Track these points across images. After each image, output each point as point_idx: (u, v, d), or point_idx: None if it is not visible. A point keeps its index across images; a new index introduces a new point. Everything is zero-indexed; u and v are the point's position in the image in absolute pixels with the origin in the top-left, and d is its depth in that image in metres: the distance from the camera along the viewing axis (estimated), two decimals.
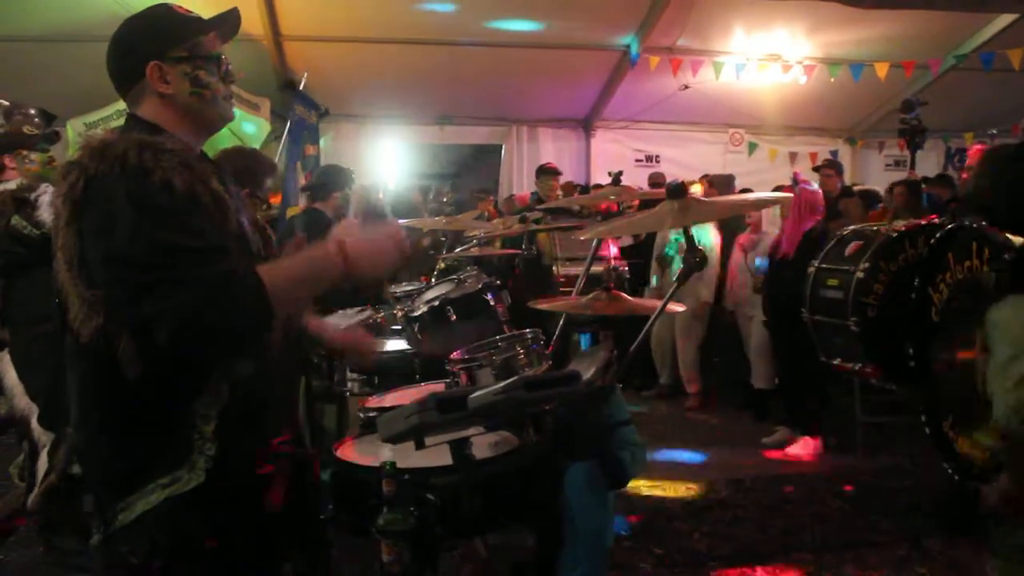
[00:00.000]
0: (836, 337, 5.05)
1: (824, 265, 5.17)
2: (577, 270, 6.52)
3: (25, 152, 4.26)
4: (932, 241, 4.43)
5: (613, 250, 6.51)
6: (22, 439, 4.22)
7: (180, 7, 1.94)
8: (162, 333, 1.55)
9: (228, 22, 1.97)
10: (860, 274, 4.75)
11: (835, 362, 5.14)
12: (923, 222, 4.97)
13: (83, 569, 3.96)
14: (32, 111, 4.37)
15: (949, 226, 4.50)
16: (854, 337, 4.79)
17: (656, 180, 8.99)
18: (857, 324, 4.73)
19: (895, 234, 4.81)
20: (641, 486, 5.04)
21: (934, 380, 4.28)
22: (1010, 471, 2.67)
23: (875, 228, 5.15)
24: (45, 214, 3.91)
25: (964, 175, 5.03)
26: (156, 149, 1.69)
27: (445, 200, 10.22)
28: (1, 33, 7.98)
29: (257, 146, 9.21)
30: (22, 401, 4.05)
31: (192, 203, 1.68)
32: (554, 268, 6.83)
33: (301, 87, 8.72)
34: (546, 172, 8.74)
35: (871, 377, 5.01)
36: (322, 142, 10.22)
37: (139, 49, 1.86)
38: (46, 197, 3.98)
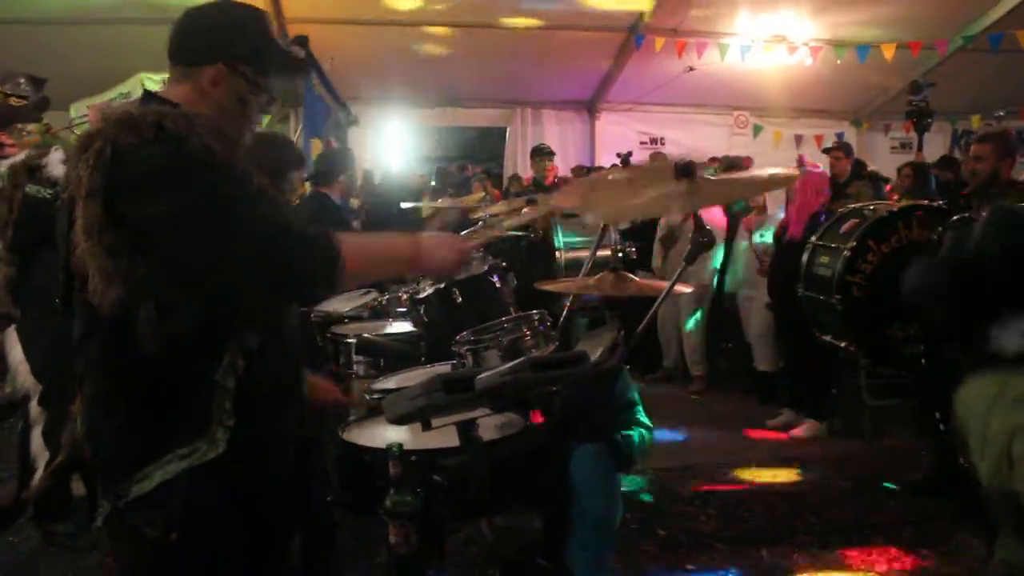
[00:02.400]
0: (824, 314, 5.05)
1: (820, 242, 5.17)
2: (579, 254, 6.49)
3: (20, 125, 4.19)
4: (935, 235, 4.38)
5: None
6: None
7: (270, 21, 1.95)
8: (232, 278, 1.62)
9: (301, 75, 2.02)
10: (847, 252, 4.74)
11: (827, 338, 5.14)
12: (924, 203, 4.94)
13: (83, 550, 4.00)
14: (21, 80, 4.29)
15: (955, 217, 4.46)
16: (839, 315, 4.78)
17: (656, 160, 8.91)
18: (841, 302, 4.72)
19: (887, 213, 4.78)
20: (647, 468, 5.03)
21: (946, 374, 4.25)
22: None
23: (872, 208, 5.12)
24: (54, 170, 3.88)
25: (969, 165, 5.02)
26: (187, 116, 1.68)
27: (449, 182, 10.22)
28: (4, 16, 7.94)
29: (261, 126, 9.18)
30: (28, 380, 4.04)
31: (233, 167, 1.69)
32: (558, 254, 6.80)
33: (327, 68, 8.65)
34: (540, 153, 8.71)
35: (858, 355, 5.01)
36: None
37: (216, 44, 1.85)
38: (55, 155, 3.96)
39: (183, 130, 1.65)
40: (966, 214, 4.51)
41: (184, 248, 1.61)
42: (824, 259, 5.06)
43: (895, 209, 4.80)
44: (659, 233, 7.19)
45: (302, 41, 8.14)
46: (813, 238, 5.23)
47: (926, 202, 5.00)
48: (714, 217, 6.75)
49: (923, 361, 4.50)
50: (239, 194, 1.65)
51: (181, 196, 1.61)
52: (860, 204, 5.53)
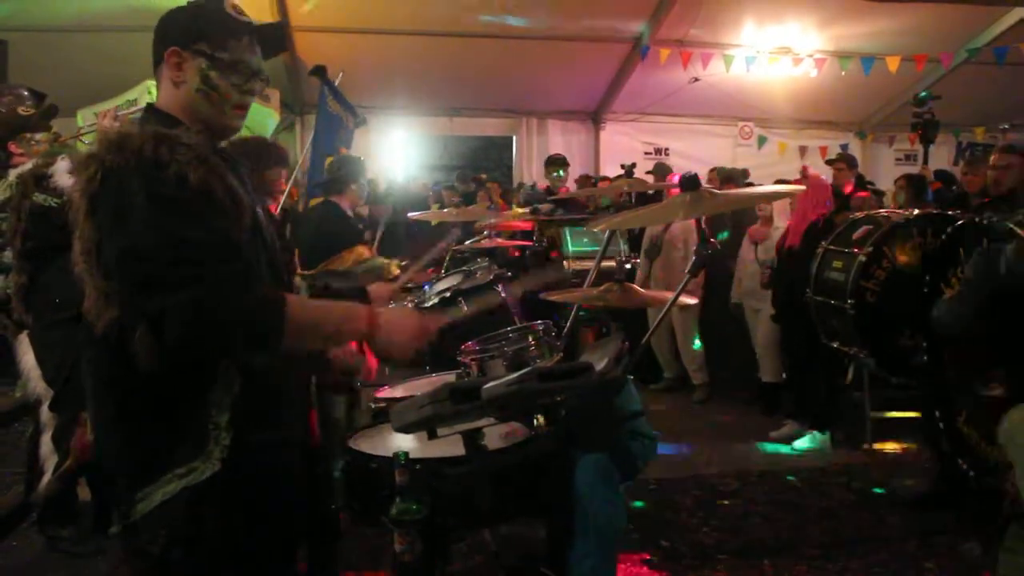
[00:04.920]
0: (834, 319, 5.03)
1: (832, 247, 5.15)
2: (588, 265, 6.50)
3: (28, 135, 4.21)
4: (943, 236, 4.39)
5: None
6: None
7: (233, 6, 1.92)
8: (171, 329, 1.56)
9: (265, 32, 1.96)
10: (863, 257, 4.73)
11: (834, 344, 5.13)
12: (934, 211, 4.92)
13: (86, 556, 4.00)
14: (24, 92, 4.32)
15: (960, 221, 4.46)
16: (851, 320, 4.77)
17: (660, 169, 8.90)
18: (854, 307, 4.72)
19: (903, 220, 4.78)
20: (649, 479, 5.03)
21: (946, 375, 4.26)
22: None
23: (887, 214, 5.11)
24: (61, 180, 3.91)
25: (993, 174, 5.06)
26: (172, 143, 1.68)
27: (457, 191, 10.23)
28: (15, 24, 7.99)
29: (266, 136, 9.25)
30: (39, 385, 4.06)
31: (206, 198, 1.67)
32: (565, 263, 6.81)
33: (337, 83, 8.67)
34: (554, 163, 8.71)
35: (866, 362, 4.99)
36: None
37: (169, 34, 1.87)
38: (61, 164, 3.99)
39: (164, 157, 1.65)
40: (978, 219, 4.53)
41: (133, 289, 1.61)
42: (837, 264, 5.03)
43: (912, 216, 4.80)
44: (644, 245, 7.20)
45: (320, 71, 8.16)
46: (824, 243, 5.23)
47: (936, 211, 5.00)
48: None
49: (926, 369, 4.50)
50: (200, 239, 1.62)
51: (138, 236, 1.60)
52: (872, 211, 5.52)
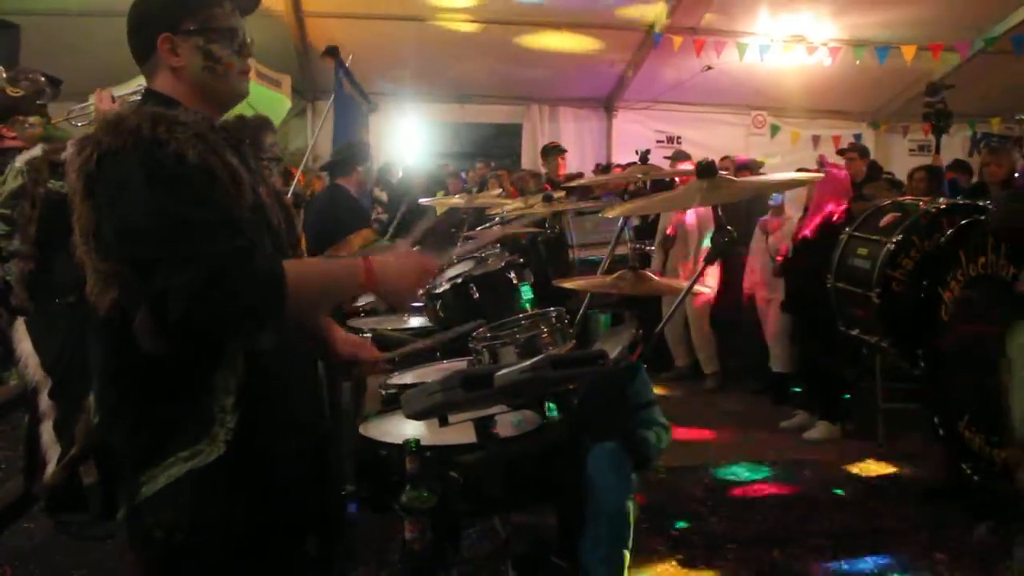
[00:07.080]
0: (857, 308, 4.98)
1: (857, 233, 5.09)
2: (590, 252, 6.47)
3: (22, 117, 4.16)
4: (942, 239, 4.33)
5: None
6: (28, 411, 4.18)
7: None
8: (174, 309, 1.53)
9: None
10: (891, 246, 4.67)
11: (853, 333, 5.08)
12: (964, 202, 4.87)
13: (97, 538, 4.00)
14: (41, 77, 4.27)
15: (963, 221, 4.41)
16: (874, 310, 4.72)
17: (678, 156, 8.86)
18: (880, 296, 4.66)
19: (934, 210, 4.71)
20: (660, 468, 5.02)
21: (946, 379, 4.22)
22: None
23: (916, 202, 5.05)
24: None
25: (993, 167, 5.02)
26: (170, 121, 1.66)
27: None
28: (28, 8, 7.99)
29: (277, 123, 9.22)
30: (37, 373, 4.02)
31: (206, 176, 1.65)
32: (570, 252, 6.79)
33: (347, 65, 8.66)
34: (551, 151, 8.72)
35: (888, 352, 4.95)
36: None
37: (152, 22, 1.83)
38: (72, 148, 3.95)
39: (162, 135, 1.63)
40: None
41: (133, 270, 1.59)
42: (862, 251, 4.97)
43: (943, 206, 4.75)
44: (658, 236, 7.20)
45: (333, 51, 8.12)
46: (848, 229, 5.18)
47: (966, 202, 4.95)
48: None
49: (925, 376, 4.46)
50: (199, 217, 1.60)
51: (137, 216, 1.59)
52: (900, 198, 5.47)
